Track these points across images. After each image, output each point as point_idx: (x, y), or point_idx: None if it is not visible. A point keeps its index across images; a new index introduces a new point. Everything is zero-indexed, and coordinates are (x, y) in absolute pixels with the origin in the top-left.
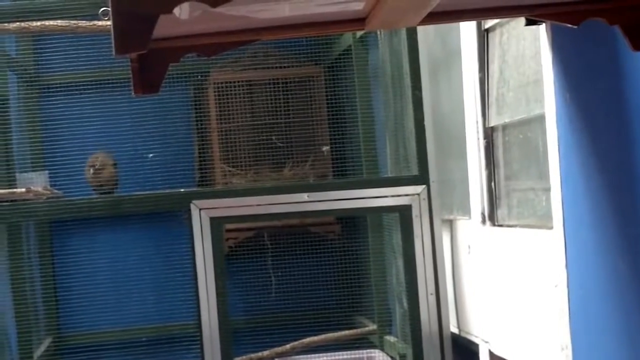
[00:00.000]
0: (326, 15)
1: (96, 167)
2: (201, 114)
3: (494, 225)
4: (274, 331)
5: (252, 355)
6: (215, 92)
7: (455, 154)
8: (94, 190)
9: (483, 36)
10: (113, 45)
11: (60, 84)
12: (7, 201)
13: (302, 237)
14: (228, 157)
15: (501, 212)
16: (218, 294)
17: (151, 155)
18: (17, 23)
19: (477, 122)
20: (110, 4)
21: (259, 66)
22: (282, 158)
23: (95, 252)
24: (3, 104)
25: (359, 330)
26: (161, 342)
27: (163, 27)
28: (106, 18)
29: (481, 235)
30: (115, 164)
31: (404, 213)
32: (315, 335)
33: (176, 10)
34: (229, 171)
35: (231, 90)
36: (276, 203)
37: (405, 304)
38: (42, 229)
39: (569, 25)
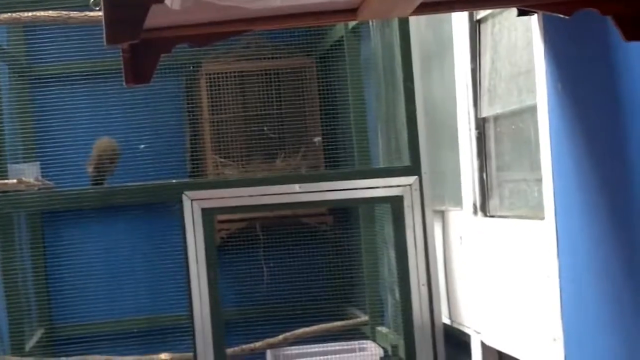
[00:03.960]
0: (318, 5)
1: (107, 154)
2: (193, 105)
3: (485, 216)
4: (266, 322)
5: (244, 346)
6: (207, 82)
7: (447, 145)
8: (90, 175)
9: (475, 27)
10: (104, 35)
11: (51, 74)
12: None
13: (294, 228)
14: (220, 148)
15: (493, 203)
16: (210, 285)
17: (143, 146)
18: (8, 14)
19: (469, 112)
20: None
21: (251, 57)
22: (274, 149)
23: (87, 243)
24: None
25: (351, 321)
26: (154, 333)
27: (155, 17)
28: (97, 8)
29: (473, 226)
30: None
31: (395, 204)
32: (307, 326)
33: (168, 1)
34: (221, 162)
35: (223, 81)
36: (268, 194)
37: (397, 295)
38: (33, 219)
39: (561, 16)
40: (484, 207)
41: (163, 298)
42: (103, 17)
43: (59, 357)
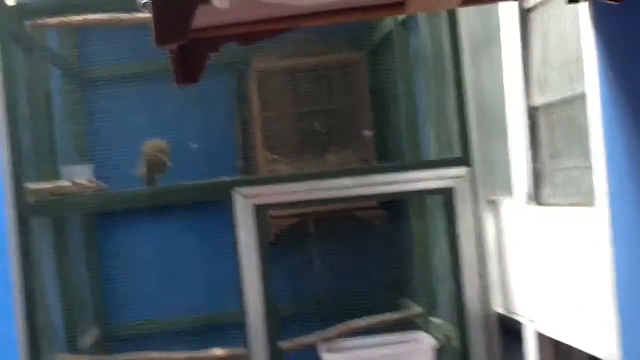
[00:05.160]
0: (365, 0)
1: (157, 155)
2: (244, 103)
3: (538, 204)
4: (320, 316)
5: (298, 340)
6: (257, 80)
7: (497, 134)
8: (141, 176)
9: (525, 16)
10: (153, 36)
11: (103, 77)
12: (53, 195)
13: (347, 222)
14: (271, 144)
15: (545, 192)
16: (263, 281)
17: (196, 145)
18: (59, 18)
19: (519, 102)
20: None
21: (301, 53)
22: (325, 144)
23: (140, 242)
24: (46, 98)
25: (404, 313)
26: (208, 330)
27: (203, 17)
28: (146, 10)
29: (525, 215)
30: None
31: (447, 195)
32: (360, 319)
33: (216, 0)
34: (272, 159)
35: (273, 78)
36: (320, 189)
37: (450, 286)
38: (87, 221)
39: (611, 2)
40: (536, 196)
41: (217, 295)
42: (153, 19)
43: (112, 355)
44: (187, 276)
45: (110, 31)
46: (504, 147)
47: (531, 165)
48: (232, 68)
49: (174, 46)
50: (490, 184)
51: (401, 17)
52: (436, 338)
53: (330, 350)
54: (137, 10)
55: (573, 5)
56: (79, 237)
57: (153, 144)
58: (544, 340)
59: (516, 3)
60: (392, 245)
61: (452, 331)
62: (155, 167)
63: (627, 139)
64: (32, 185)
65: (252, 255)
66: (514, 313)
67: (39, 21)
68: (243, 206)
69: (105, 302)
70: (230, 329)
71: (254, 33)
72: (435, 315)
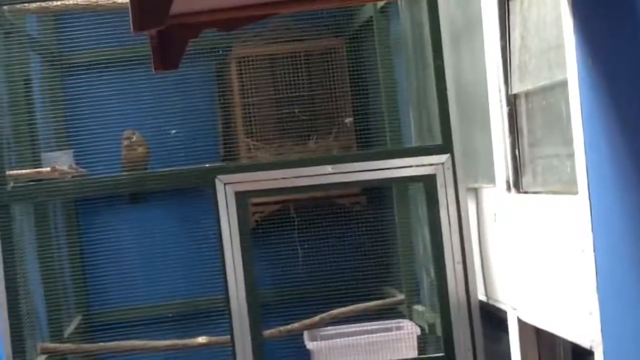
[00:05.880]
0: None
1: (132, 140)
2: (224, 89)
3: (519, 192)
4: (303, 303)
5: (281, 327)
6: (237, 66)
7: (479, 122)
8: (123, 166)
9: (504, 3)
10: (131, 21)
11: (83, 62)
12: (33, 181)
13: (328, 209)
14: (252, 131)
15: (526, 179)
16: (245, 268)
17: (174, 131)
18: (38, 3)
19: (499, 89)
20: None
21: (281, 40)
22: (305, 131)
23: (122, 229)
24: (26, 84)
25: (387, 301)
26: (190, 317)
27: (181, 3)
28: None
29: (506, 203)
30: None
31: (428, 182)
32: (343, 306)
33: None
34: (253, 145)
35: (253, 65)
36: (301, 176)
37: (432, 273)
38: (68, 207)
39: None
40: (517, 183)
41: (199, 282)
42: (130, 4)
43: (96, 343)
44: (170, 262)
45: (90, 16)
46: (485, 134)
47: (512, 153)
48: (212, 54)
49: (153, 32)
50: (472, 172)
51: (380, 4)
52: (419, 325)
53: (313, 338)
54: None
55: None
56: (61, 224)
57: (134, 153)
58: (526, 328)
59: None
60: (375, 232)
61: (435, 318)
62: (133, 166)
63: (607, 125)
64: (13, 172)
65: (234, 242)
66: (496, 300)
67: (18, 6)
68: (224, 193)
69: (88, 289)
70: (214, 316)
71: (234, 19)
72: (418, 302)
